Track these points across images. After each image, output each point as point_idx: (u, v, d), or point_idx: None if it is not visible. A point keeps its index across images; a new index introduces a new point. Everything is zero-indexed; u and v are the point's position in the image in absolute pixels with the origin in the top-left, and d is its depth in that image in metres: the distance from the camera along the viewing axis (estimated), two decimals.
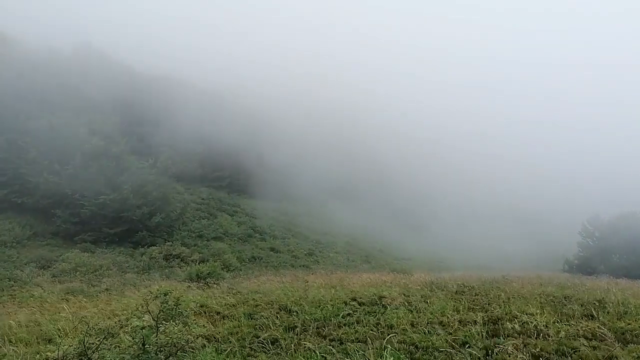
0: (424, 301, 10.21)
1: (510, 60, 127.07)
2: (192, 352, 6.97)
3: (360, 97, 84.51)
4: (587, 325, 8.03)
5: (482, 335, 7.68)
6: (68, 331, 8.44)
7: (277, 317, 9.29)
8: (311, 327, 8.45)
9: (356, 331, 8.17)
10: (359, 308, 9.78)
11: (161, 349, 6.15)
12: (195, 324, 8.10)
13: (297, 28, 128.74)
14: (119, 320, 7.35)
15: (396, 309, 9.55)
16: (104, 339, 6.21)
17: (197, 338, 6.86)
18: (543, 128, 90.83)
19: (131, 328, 6.56)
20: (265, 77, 73.27)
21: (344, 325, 8.64)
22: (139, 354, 5.88)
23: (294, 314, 9.45)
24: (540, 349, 6.92)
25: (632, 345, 7.21)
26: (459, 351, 7.05)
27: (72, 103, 35.61)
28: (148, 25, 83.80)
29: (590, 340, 7.39)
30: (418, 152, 73.81)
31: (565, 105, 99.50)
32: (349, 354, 6.94)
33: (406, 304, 9.97)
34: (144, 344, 5.99)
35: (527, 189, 72.03)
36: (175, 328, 6.41)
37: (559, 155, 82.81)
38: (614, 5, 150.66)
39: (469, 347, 7.22)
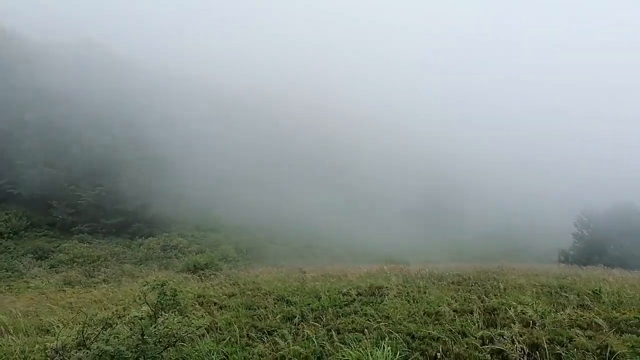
0: (421, 292, 10.27)
1: (508, 50, 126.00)
2: (191, 342, 7.01)
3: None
4: (582, 315, 8.11)
5: (479, 325, 7.75)
6: (66, 321, 8.46)
7: (275, 307, 9.34)
8: (309, 317, 8.51)
9: (353, 321, 8.22)
10: (356, 298, 9.84)
11: (160, 339, 6.18)
12: (194, 314, 8.15)
13: (289, 17, 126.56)
14: (117, 311, 7.37)
15: (393, 299, 9.61)
16: (102, 329, 6.23)
17: (198, 329, 6.88)
18: (537, 117, 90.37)
19: (129, 318, 6.58)
20: (266, 75, 72.79)
21: (342, 315, 8.70)
22: (137, 344, 5.91)
23: (292, 304, 9.50)
24: (536, 338, 6.98)
25: (627, 334, 7.29)
26: (456, 341, 7.12)
27: (69, 96, 35.36)
28: (148, 19, 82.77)
29: (585, 329, 7.46)
30: (400, 142, 73.07)
31: (560, 95, 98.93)
32: (346, 344, 6.99)
33: (403, 294, 10.04)
34: (142, 334, 6.01)
35: (519, 179, 72.12)
36: (175, 319, 6.44)
37: (552, 146, 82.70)
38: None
39: (466, 336, 7.29)
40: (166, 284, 7.18)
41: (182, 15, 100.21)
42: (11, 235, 24.30)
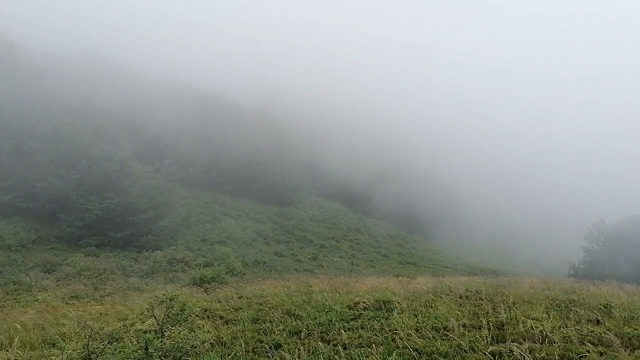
0: (429, 306, 10.16)
1: (515, 62, 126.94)
2: (197, 356, 6.96)
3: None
4: (593, 331, 7.97)
5: (488, 340, 7.64)
6: (72, 335, 8.45)
7: (281, 321, 9.27)
8: (315, 332, 8.43)
9: (360, 336, 8.14)
10: (363, 313, 9.75)
11: (166, 353, 6.14)
12: (201, 329, 8.10)
13: (303, 33, 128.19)
14: (124, 325, 7.36)
15: (400, 313, 9.51)
16: (108, 343, 6.21)
17: (203, 343, 6.83)
18: (548, 131, 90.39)
19: (134, 332, 6.56)
20: (267, 78, 73.40)
21: (348, 330, 8.62)
22: (142, 358, 5.88)
23: (298, 318, 9.43)
24: (546, 354, 6.87)
25: (639, 350, 7.15)
26: (465, 356, 7.01)
27: (77, 108, 35.77)
28: (152, 29, 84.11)
29: (597, 345, 7.33)
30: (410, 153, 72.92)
31: (571, 108, 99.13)
32: (353, 359, 6.92)
33: (410, 308, 9.94)
34: (146, 348, 5.98)
35: (532, 193, 71.69)
36: (181, 333, 6.41)
37: (565, 159, 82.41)
38: (632, 8, 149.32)
39: (474, 352, 7.18)
40: (175, 298, 7.16)
41: (185, 26, 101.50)
42: (19, 248, 24.40)
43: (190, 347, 6.43)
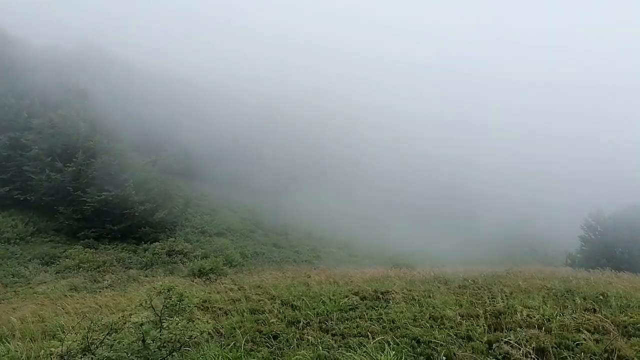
0: (426, 295, 10.21)
1: (510, 50, 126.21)
2: (196, 347, 7.00)
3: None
4: (590, 319, 8.02)
5: (485, 329, 7.69)
6: (72, 327, 8.48)
7: (280, 312, 9.32)
8: (313, 322, 8.48)
9: (358, 326, 8.19)
10: (361, 303, 9.80)
11: (164, 344, 6.17)
12: (199, 319, 8.13)
13: (290, 17, 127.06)
14: (123, 316, 7.38)
15: (398, 303, 9.56)
16: (107, 334, 6.24)
17: (202, 334, 6.87)
18: (545, 119, 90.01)
19: (132, 324, 6.59)
20: (266, 75, 72.96)
21: (346, 319, 8.66)
22: (140, 350, 5.91)
23: (297, 308, 9.47)
24: (543, 342, 6.92)
25: (635, 338, 7.21)
26: (462, 345, 7.06)
27: (74, 100, 35.58)
28: (149, 21, 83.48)
29: (593, 333, 7.39)
30: (402, 143, 72.74)
31: (567, 95, 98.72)
32: (351, 349, 6.96)
33: (408, 298, 9.99)
34: (143, 340, 6.01)
35: (529, 182, 71.74)
36: (179, 324, 6.44)
37: (561, 148, 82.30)
38: None
39: (471, 341, 7.23)
40: (172, 289, 7.18)
41: (180, 18, 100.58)
42: (18, 241, 24.41)
43: (188, 338, 6.46)
